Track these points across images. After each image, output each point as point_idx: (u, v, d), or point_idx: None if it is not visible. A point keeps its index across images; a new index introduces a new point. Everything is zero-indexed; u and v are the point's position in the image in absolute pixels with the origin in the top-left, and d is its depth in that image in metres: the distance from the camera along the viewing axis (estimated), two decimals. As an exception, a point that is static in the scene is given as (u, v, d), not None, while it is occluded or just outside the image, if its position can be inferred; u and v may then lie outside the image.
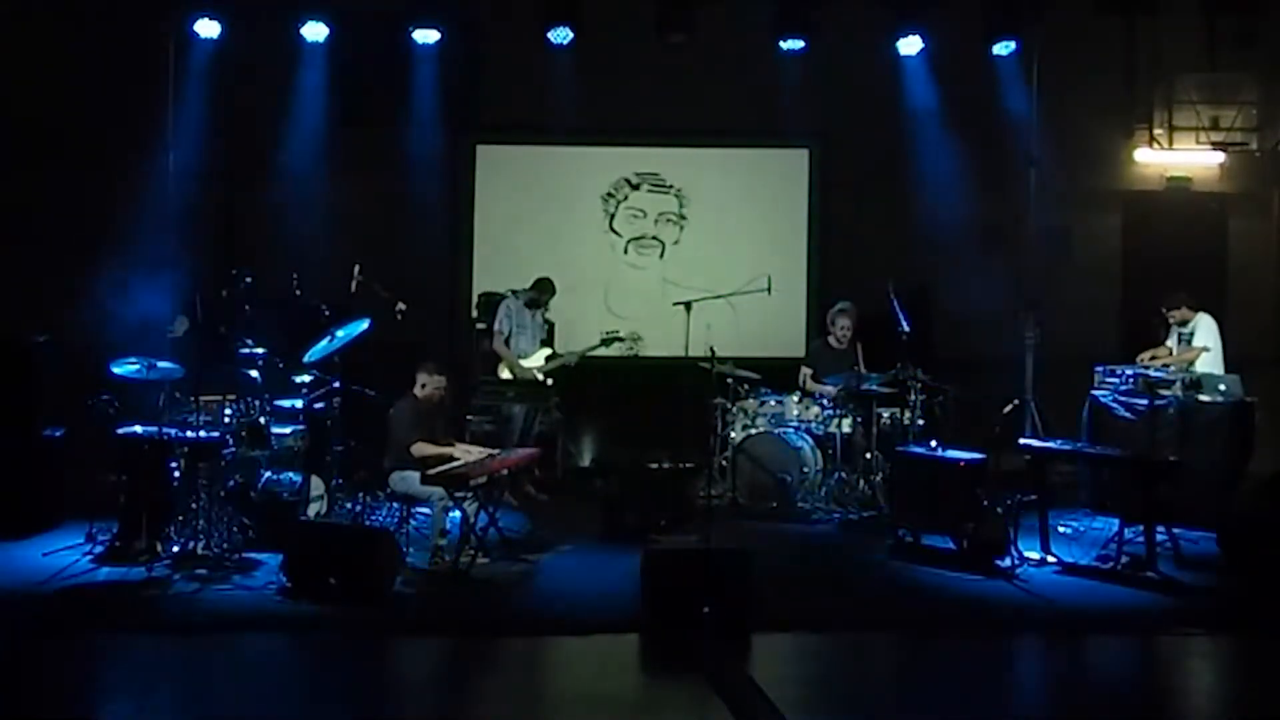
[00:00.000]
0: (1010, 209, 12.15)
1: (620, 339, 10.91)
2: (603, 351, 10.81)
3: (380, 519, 9.06)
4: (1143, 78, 12.66)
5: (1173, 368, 9.95)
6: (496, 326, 10.57)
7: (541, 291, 10.67)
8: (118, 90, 11.16)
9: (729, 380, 10.45)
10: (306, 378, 9.48)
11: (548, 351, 10.65)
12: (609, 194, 12.79)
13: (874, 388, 10.16)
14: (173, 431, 8.55)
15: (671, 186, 12.82)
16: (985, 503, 8.77)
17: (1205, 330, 10.06)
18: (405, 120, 11.96)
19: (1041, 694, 6.60)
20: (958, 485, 8.78)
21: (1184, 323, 10.16)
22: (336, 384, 9.06)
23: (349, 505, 9.20)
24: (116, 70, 11.17)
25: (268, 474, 9.01)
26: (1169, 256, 12.52)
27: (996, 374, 11.20)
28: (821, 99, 12.07)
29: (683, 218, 12.82)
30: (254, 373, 9.10)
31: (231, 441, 8.74)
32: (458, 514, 8.48)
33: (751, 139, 12.70)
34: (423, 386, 8.78)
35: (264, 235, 11.76)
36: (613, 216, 12.81)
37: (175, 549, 8.29)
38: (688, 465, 10.66)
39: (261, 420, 9.06)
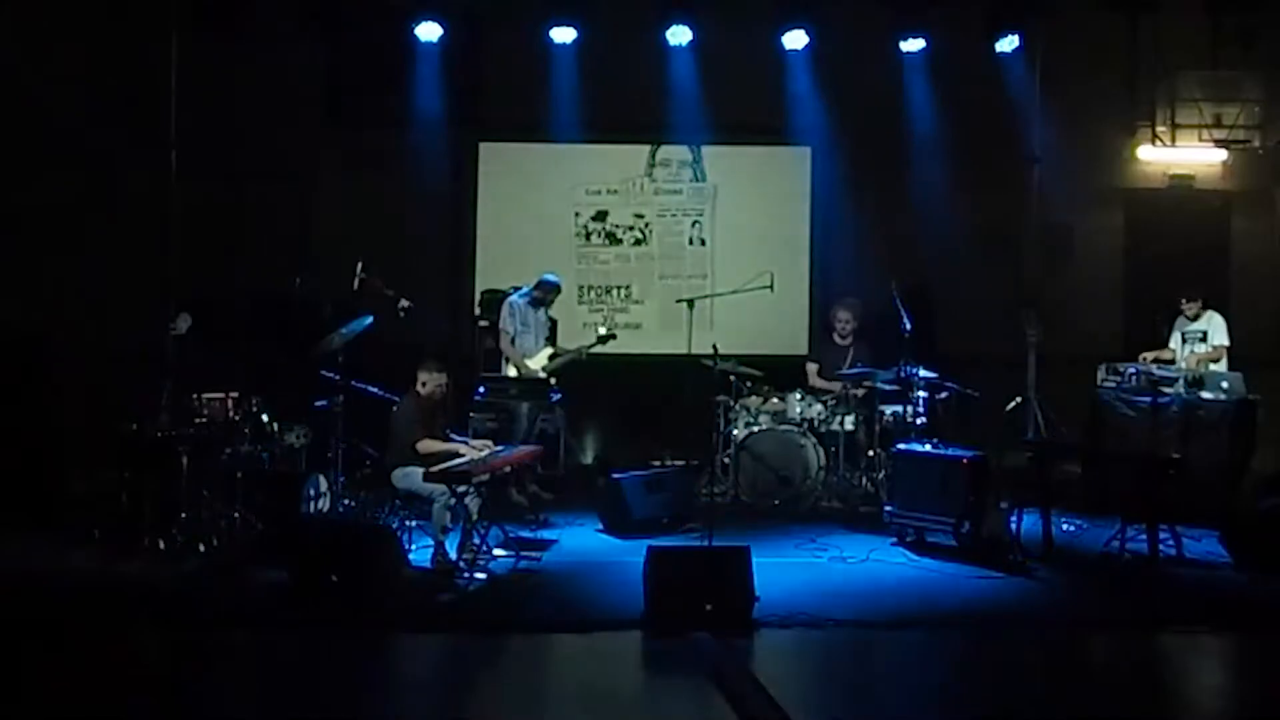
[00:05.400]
0: (1012, 206, 12.16)
1: (614, 336, 10.93)
2: (600, 349, 10.81)
3: (383, 516, 9.07)
4: (1145, 75, 12.64)
5: (1183, 365, 9.97)
6: (502, 325, 10.56)
7: (546, 291, 10.66)
8: (120, 88, 11.16)
9: (732, 378, 10.46)
10: (310, 375, 9.48)
11: (550, 350, 10.66)
12: (612, 191, 12.80)
13: (877, 384, 10.17)
14: (177, 428, 8.56)
15: (674, 184, 12.82)
16: (987, 500, 8.77)
17: (1220, 328, 10.18)
18: (408, 117, 11.97)
19: (1044, 691, 6.59)
20: (960, 482, 8.78)
21: (1194, 317, 10.23)
22: (339, 381, 9.06)
23: (352, 503, 9.21)
24: (119, 67, 11.17)
25: (271, 471, 9.01)
26: (1171, 254, 12.52)
27: (999, 372, 11.20)
28: (824, 97, 12.07)
29: (685, 215, 12.83)
30: (257, 370, 9.10)
31: (235, 438, 8.74)
32: (460, 511, 8.49)
33: (754, 137, 12.69)
34: (424, 384, 8.78)
35: (266, 232, 11.78)
36: (615, 214, 12.80)
37: (178, 545, 8.30)
38: (691, 462, 10.70)
39: (265, 417, 9.07)
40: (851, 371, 10.41)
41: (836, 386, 10.56)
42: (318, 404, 9.31)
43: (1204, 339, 10.21)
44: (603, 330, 10.90)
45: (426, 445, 8.56)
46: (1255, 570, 8.32)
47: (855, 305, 10.87)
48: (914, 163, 12.03)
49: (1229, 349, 10.19)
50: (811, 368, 10.91)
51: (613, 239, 12.81)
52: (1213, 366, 10.02)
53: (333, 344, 8.86)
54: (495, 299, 11.09)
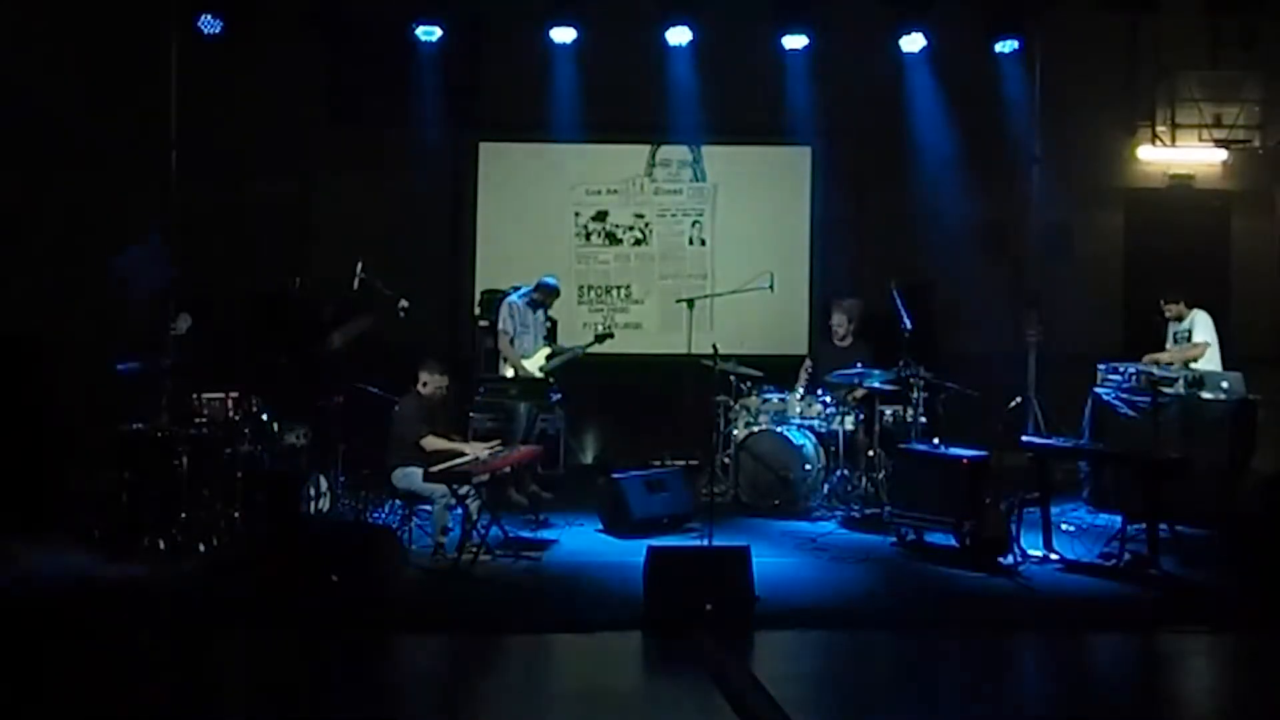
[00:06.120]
0: (1012, 206, 12.16)
1: (612, 335, 10.93)
2: (599, 349, 10.81)
3: (382, 516, 9.08)
4: (1145, 75, 12.64)
5: (1175, 365, 9.96)
6: (500, 326, 10.56)
7: (545, 294, 10.66)
8: (120, 88, 11.16)
9: (732, 378, 10.45)
10: (311, 374, 9.49)
11: (548, 350, 10.66)
12: (612, 191, 12.80)
13: (877, 385, 10.17)
14: (176, 428, 8.57)
15: (674, 184, 12.82)
16: (988, 500, 8.77)
17: (1202, 326, 10.10)
18: (408, 117, 11.96)
19: (1043, 691, 6.61)
20: (960, 482, 8.78)
21: (1179, 318, 10.22)
22: (339, 381, 9.06)
23: (352, 503, 9.21)
24: (119, 68, 11.17)
25: (271, 471, 9.01)
26: (1171, 254, 12.52)
27: (999, 371, 11.20)
28: (824, 97, 12.07)
29: (685, 215, 12.82)
30: (257, 370, 9.10)
31: (235, 438, 8.75)
32: (460, 511, 8.49)
33: (754, 137, 12.68)
34: (425, 384, 8.79)
35: (266, 232, 11.78)
36: (615, 214, 12.80)
37: (178, 545, 8.30)
38: (691, 462, 10.69)
39: (265, 417, 9.07)
40: (848, 373, 10.38)
41: (819, 380, 10.56)
42: (318, 404, 9.32)
43: (1190, 338, 10.20)
44: (600, 329, 10.89)
45: (432, 442, 8.58)
46: (1254, 571, 8.31)
47: (850, 306, 10.83)
48: (914, 162, 12.02)
49: (1221, 347, 10.14)
50: (807, 366, 10.89)
51: (613, 239, 12.80)
52: (1199, 365, 9.98)
53: (333, 344, 8.87)
54: (495, 299, 11.09)
